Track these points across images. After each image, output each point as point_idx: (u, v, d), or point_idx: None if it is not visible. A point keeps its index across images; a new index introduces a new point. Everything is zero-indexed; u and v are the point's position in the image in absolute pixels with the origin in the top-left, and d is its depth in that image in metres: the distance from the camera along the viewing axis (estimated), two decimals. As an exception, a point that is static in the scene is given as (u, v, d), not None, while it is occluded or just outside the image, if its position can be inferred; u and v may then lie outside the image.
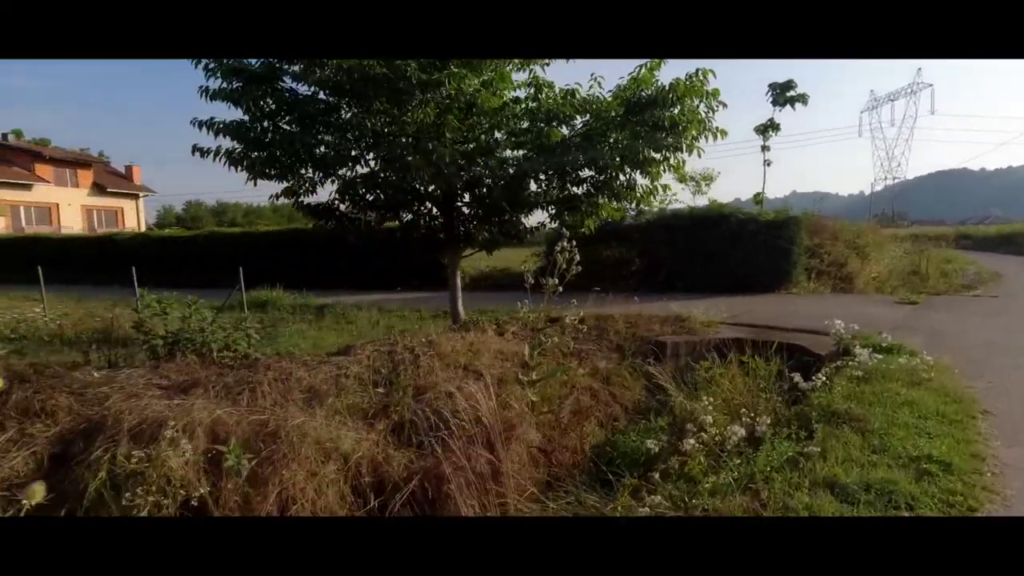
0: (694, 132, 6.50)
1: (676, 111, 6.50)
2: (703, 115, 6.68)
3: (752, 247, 13.34)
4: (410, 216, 7.77)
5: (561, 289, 4.93)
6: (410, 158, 5.85)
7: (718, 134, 6.65)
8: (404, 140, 6.13)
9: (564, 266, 4.97)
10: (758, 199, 14.65)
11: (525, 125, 6.71)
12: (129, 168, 42.50)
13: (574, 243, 4.90)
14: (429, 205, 7.70)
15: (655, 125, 6.38)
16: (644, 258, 15.05)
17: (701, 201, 17.00)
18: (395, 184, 6.60)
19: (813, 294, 13.17)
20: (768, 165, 14.95)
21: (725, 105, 6.88)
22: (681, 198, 20.84)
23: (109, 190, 38.79)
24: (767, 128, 14.45)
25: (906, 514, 2.87)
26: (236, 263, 16.27)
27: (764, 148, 14.80)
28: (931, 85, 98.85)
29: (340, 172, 6.87)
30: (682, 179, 16.86)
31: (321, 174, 6.82)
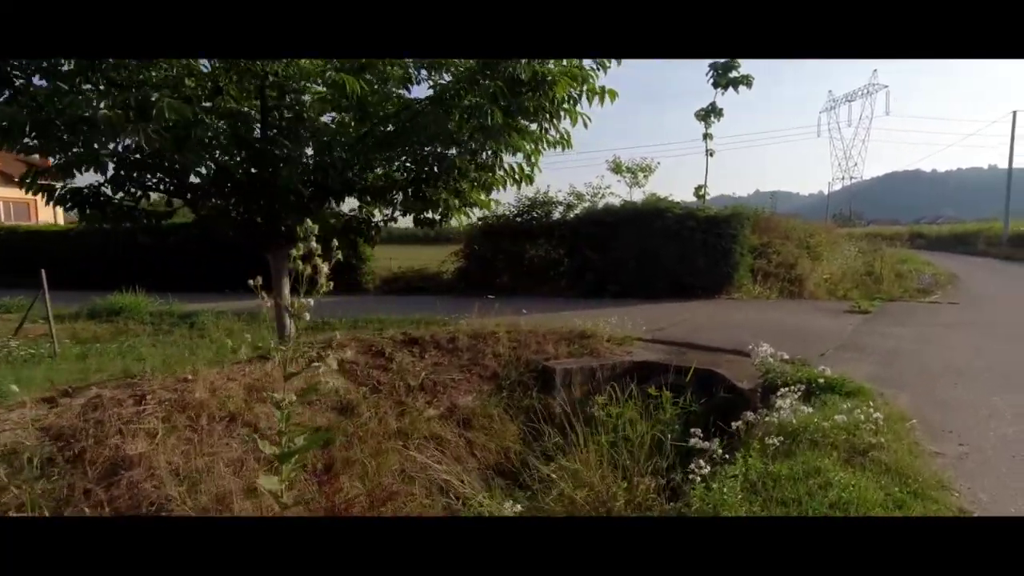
0: (568, 90, 4.73)
1: (547, 64, 4.73)
2: (587, 71, 4.94)
3: (691, 246, 11.76)
4: (219, 204, 5.81)
5: (308, 316, 3.05)
6: (107, 112, 3.93)
7: (605, 95, 4.90)
8: (102, 89, 4.19)
9: (319, 278, 3.08)
10: (700, 193, 13.08)
11: (323, 82, 4.82)
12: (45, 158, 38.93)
13: (325, 248, 3.03)
14: (245, 191, 5.75)
15: (513, 79, 4.59)
16: (574, 258, 13.39)
17: (639, 196, 15.38)
18: (156, 158, 4.65)
19: (757, 299, 11.76)
20: (711, 155, 13.41)
21: (618, 61, 5.15)
22: (617, 191, 19.25)
23: (17, 180, 35.44)
24: (709, 113, 12.88)
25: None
26: (126, 262, 13.95)
27: (706, 136, 13.23)
28: (886, 87, 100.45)
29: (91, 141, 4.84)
30: (617, 169, 15.20)
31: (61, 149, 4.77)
